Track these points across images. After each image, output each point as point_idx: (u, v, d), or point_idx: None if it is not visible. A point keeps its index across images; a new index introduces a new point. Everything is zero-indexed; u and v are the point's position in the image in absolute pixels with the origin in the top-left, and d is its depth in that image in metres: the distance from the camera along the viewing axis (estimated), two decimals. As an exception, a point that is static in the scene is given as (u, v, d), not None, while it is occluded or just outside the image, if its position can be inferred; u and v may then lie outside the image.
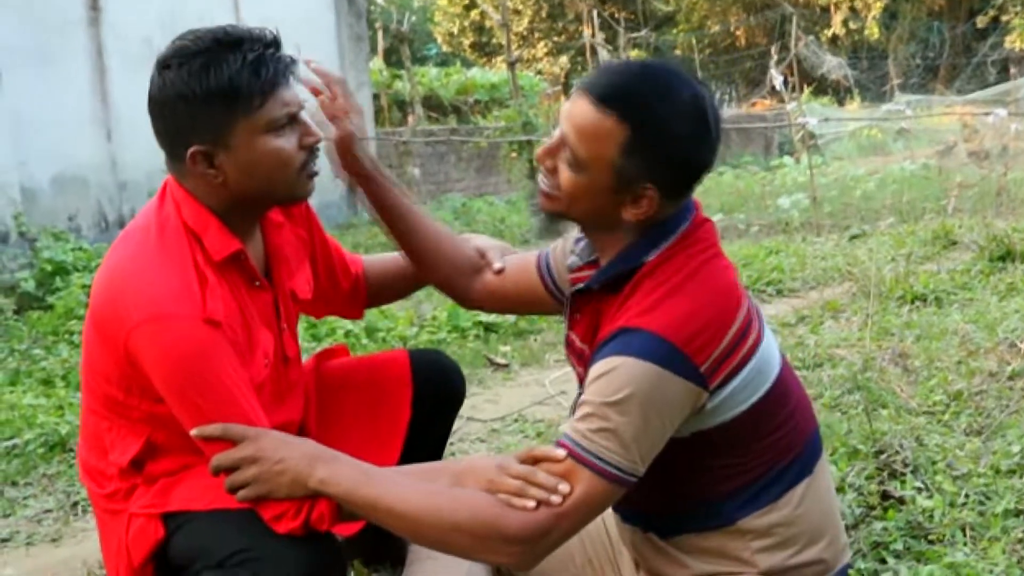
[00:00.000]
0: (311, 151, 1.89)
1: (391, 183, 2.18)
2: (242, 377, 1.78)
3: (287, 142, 1.84)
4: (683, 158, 1.73)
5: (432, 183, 13.81)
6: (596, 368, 1.68)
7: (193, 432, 1.74)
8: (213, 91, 1.76)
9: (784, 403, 1.82)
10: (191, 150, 1.81)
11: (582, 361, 1.85)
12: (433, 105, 16.44)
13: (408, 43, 14.92)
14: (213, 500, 1.81)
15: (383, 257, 2.34)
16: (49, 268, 6.81)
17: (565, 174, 1.75)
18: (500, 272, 2.19)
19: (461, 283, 2.22)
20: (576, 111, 1.72)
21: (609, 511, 2.04)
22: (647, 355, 1.63)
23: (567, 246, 2.04)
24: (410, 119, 13.60)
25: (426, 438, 2.29)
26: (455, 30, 30.45)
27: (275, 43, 1.84)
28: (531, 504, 1.61)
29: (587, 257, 1.91)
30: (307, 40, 10.79)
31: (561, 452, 1.65)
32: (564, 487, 1.62)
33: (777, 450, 1.81)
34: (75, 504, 3.39)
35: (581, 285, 1.86)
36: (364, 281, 2.32)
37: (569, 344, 1.94)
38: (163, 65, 1.81)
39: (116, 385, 1.84)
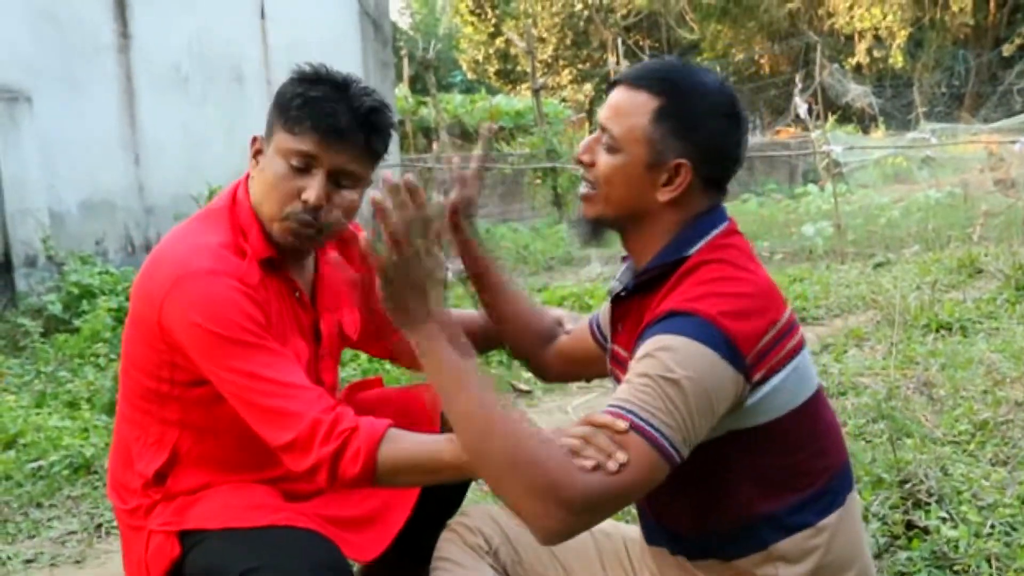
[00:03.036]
0: (307, 208, 1.88)
1: (488, 253, 2.27)
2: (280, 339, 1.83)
3: (291, 178, 1.87)
4: (712, 132, 1.78)
5: (456, 209, 13.84)
6: (647, 345, 1.66)
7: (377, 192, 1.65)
8: (282, 98, 1.89)
9: (819, 421, 1.82)
10: (255, 135, 1.95)
11: (625, 370, 1.78)
12: (458, 132, 16.53)
13: (434, 70, 15.02)
14: (227, 519, 1.85)
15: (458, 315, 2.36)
16: (76, 291, 6.86)
17: (602, 159, 1.81)
18: (569, 333, 2.25)
19: (539, 352, 2.27)
20: (612, 98, 1.83)
21: (634, 536, 2.03)
22: (700, 337, 1.63)
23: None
24: (435, 146, 13.67)
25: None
26: (480, 57, 30.63)
27: (364, 121, 1.88)
28: (588, 464, 1.55)
29: (627, 281, 1.90)
30: (333, 67, 10.92)
31: (623, 424, 1.58)
32: (622, 455, 1.56)
33: (811, 473, 1.79)
34: (99, 526, 3.42)
35: (620, 290, 1.87)
36: None
37: (613, 357, 1.93)
38: (302, 68, 1.95)
39: (150, 373, 1.88)
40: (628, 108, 1.79)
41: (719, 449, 1.73)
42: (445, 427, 2.19)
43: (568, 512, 1.54)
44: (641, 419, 1.58)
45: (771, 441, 1.75)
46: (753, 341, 1.67)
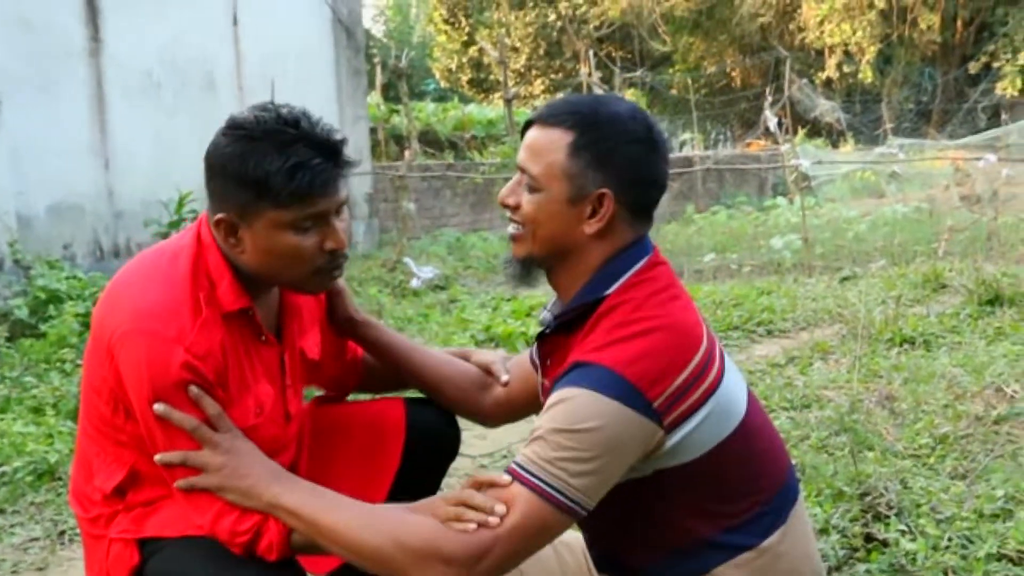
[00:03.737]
0: (332, 255, 1.91)
1: (384, 326, 2.30)
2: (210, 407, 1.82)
3: (306, 241, 1.86)
4: (629, 158, 1.79)
5: (427, 218, 13.86)
6: (551, 398, 1.71)
7: (157, 458, 1.79)
8: (247, 178, 1.80)
9: (751, 448, 1.83)
10: (218, 216, 1.86)
11: None
12: (430, 140, 16.52)
13: (406, 78, 15.01)
14: (186, 528, 1.85)
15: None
16: (43, 296, 6.80)
17: (525, 200, 1.83)
18: (507, 384, 2.24)
19: (472, 404, 2.27)
20: (527, 139, 1.84)
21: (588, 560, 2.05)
22: (602, 388, 1.65)
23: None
24: (407, 154, 13.64)
25: (415, 489, 2.29)
26: (453, 66, 30.67)
27: (331, 150, 1.85)
28: (470, 527, 1.62)
29: (557, 312, 1.92)
30: (305, 74, 10.93)
31: (506, 477, 1.67)
32: (500, 508, 1.63)
33: (747, 496, 1.81)
34: (62, 533, 3.40)
35: (543, 328, 1.89)
36: (361, 365, 2.36)
37: (544, 391, 1.94)
38: (225, 128, 1.87)
39: (105, 402, 1.88)
40: (543, 146, 1.80)
41: (649, 487, 1.76)
42: (411, 437, 2.22)
43: (460, 567, 1.61)
44: (528, 472, 1.65)
45: (701, 475, 1.77)
46: (661, 386, 1.68)
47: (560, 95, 28.59)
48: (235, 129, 1.85)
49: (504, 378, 2.24)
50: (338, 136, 1.88)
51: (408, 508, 1.74)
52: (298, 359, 2.11)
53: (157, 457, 1.79)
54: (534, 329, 6.29)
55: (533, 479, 1.64)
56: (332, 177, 1.85)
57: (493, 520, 1.62)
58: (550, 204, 1.80)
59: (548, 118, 1.82)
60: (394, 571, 1.67)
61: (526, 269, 1.90)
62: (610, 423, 1.64)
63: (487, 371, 2.27)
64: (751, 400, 1.89)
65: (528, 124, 1.86)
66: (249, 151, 1.81)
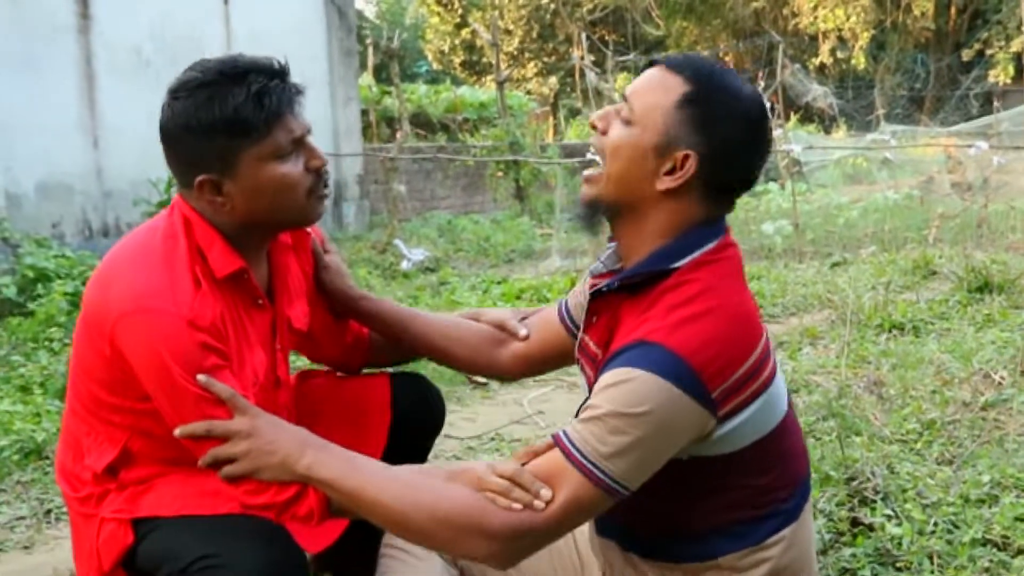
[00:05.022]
0: (318, 173, 1.92)
1: (380, 298, 2.30)
2: (226, 380, 1.80)
3: (293, 167, 1.87)
4: (730, 134, 1.73)
5: (418, 200, 13.84)
6: (609, 375, 1.66)
7: (177, 432, 1.76)
8: (218, 122, 1.80)
9: (784, 443, 1.82)
10: (199, 179, 1.84)
11: (594, 365, 1.82)
12: (422, 122, 16.48)
13: (398, 60, 14.96)
14: (181, 507, 1.85)
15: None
16: (31, 275, 6.77)
17: (615, 130, 1.78)
18: (526, 338, 2.22)
19: (486, 360, 2.26)
20: (645, 75, 1.80)
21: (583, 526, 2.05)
22: (664, 372, 1.61)
23: (587, 282, 2.02)
24: (398, 136, 13.60)
25: (400, 464, 2.30)
26: (446, 48, 30.57)
27: (281, 73, 1.87)
28: (516, 506, 1.62)
29: (611, 265, 1.89)
30: (297, 54, 10.83)
31: (562, 458, 1.64)
32: (547, 492, 1.62)
33: (770, 491, 1.80)
34: (48, 511, 3.39)
35: (601, 286, 1.83)
36: (366, 343, 2.35)
37: (583, 348, 1.92)
38: (171, 96, 1.85)
39: (101, 383, 1.87)
40: (656, 85, 1.76)
41: (681, 470, 1.74)
42: (396, 413, 2.22)
43: (503, 542, 1.62)
44: (580, 452, 1.62)
45: (734, 467, 1.75)
46: (721, 378, 1.65)
47: (552, 79, 28.66)
48: (182, 88, 1.85)
49: (522, 332, 2.22)
50: (281, 60, 1.91)
51: (448, 475, 1.72)
52: (287, 325, 2.10)
53: (178, 431, 1.76)
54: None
55: (585, 461, 1.62)
56: (293, 96, 1.87)
57: (539, 504, 1.62)
58: (636, 143, 1.74)
59: (672, 64, 1.78)
60: (437, 544, 1.70)
61: (591, 211, 1.84)
62: (667, 409, 1.61)
63: (500, 327, 2.25)
64: (789, 397, 1.88)
65: (652, 63, 1.82)
66: (209, 97, 1.81)
